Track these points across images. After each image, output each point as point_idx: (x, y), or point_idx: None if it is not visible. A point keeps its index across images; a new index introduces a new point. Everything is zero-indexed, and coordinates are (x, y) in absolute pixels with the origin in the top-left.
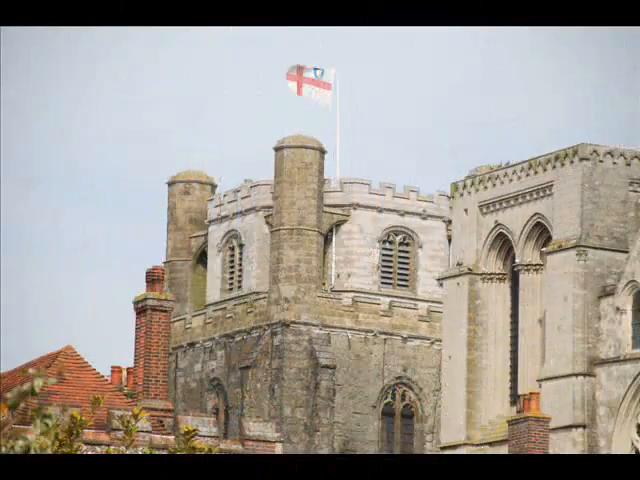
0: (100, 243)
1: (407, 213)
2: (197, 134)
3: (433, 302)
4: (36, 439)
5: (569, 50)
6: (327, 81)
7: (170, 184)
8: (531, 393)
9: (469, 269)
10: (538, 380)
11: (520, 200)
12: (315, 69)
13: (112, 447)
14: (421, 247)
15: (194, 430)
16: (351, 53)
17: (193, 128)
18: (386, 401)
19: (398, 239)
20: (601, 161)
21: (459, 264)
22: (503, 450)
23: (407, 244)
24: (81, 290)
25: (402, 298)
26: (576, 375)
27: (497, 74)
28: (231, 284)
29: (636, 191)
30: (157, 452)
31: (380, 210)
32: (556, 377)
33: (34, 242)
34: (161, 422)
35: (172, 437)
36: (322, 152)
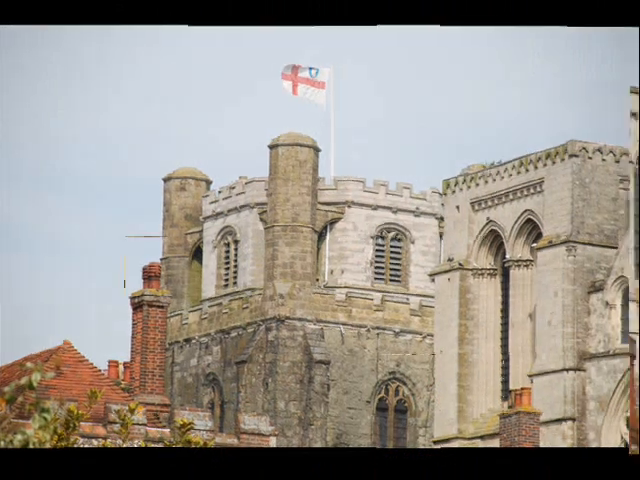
0: (96, 240)
1: (400, 210)
2: (193, 132)
3: (425, 297)
4: (35, 433)
5: (560, 50)
6: (322, 80)
7: (165, 180)
8: (522, 388)
9: (460, 264)
10: (529, 375)
11: (511, 197)
12: (310, 68)
13: (109, 440)
14: (413, 243)
15: (190, 423)
16: (346, 52)
17: (189, 126)
18: (380, 396)
19: (390, 235)
20: (590, 158)
21: (450, 260)
22: (494, 443)
23: (399, 240)
24: (78, 286)
25: (394, 293)
26: (566, 370)
27: (494, 74)
28: (226, 280)
29: (626, 189)
30: (153, 445)
31: (374, 208)
32: (546, 372)
33: (34, 242)
34: (157, 416)
35: (167, 430)
36: (316, 150)
